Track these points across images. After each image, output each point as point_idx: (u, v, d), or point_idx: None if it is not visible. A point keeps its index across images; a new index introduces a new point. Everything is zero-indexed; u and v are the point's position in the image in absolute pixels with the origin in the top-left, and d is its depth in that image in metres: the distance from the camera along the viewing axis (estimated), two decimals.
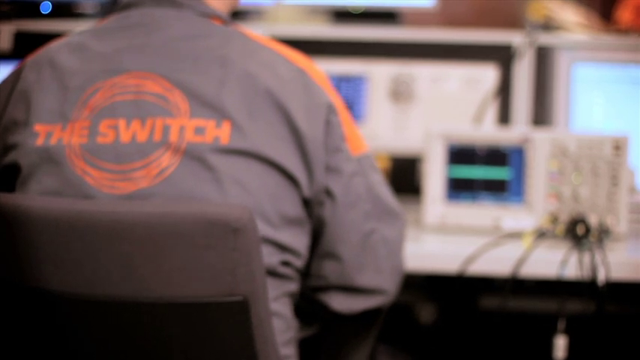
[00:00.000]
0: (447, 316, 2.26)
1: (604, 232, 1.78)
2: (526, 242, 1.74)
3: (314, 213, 1.44)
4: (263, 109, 1.35)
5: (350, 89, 2.18)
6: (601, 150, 1.82)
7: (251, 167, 1.33)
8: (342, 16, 2.55)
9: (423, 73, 2.16)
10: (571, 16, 2.94)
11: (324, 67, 2.00)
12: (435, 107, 2.15)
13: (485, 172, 1.88)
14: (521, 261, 1.68)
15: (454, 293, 1.83)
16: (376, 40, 2.20)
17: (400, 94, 2.16)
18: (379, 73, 2.18)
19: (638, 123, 2.07)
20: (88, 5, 2.61)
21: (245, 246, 1.25)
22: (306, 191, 1.40)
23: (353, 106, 2.18)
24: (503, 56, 2.13)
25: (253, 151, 1.33)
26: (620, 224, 1.83)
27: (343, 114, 1.46)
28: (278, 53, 1.44)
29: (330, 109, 1.42)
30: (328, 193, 1.43)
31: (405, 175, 2.13)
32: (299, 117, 1.38)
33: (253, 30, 2.11)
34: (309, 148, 1.38)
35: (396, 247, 1.53)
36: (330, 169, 1.42)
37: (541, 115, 2.12)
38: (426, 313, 2.30)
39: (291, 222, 1.39)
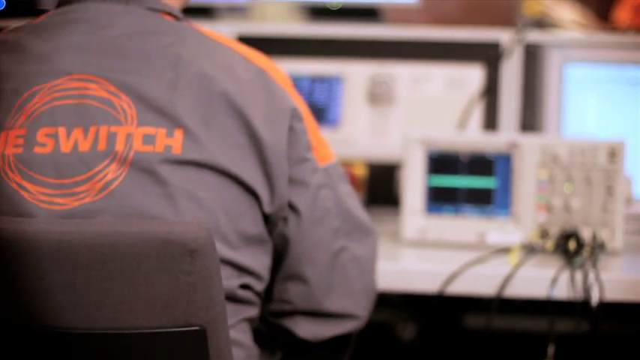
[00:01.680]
0: (429, 335, 2.20)
1: (598, 248, 1.72)
2: (513, 259, 1.69)
3: (276, 230, 1.38)
4: (219, 115, 1.29)
5: (324, 91, 2.13)
6: (595, 157, 1.76)
7: (206, 180, 1.27)
8: (319, 12, 2.51)
9: (403, 73, 2.10)
10: (567, 14, 2.94)
11: (296, 68, 2.10)
12: (416, 110, 2.10)
13: (468, 181, 1.82)
14: (507, 280, 1.62)
15: (437, 311, 1.73)
16: (352, 38, 2.15)
17: (378, 96, 2.10)
18: (356, 73, 2.12)
19: (635, 127, 2.03)
20: (48, 2, 2.49)
21: (203, 269, 1.18)
22: (268, 206, 1.33)
23: (327, 110, 2.14)
24: (489, 55, 2.08)
25: (209, 163, 1.27)
26: (615, 238, 1.77)
27: (308, 119, 1.40)
28: (236, 52, 1.37)
29: (294, 114, 1.35)
30: (292, 208, 1.37)
31: (383, 184, 2.08)
32: (259, 123, 1.31)
33: (217, 28, 2.14)
34: (271, 159, 1.32)
35: (368, 267, 1.46)
36: (294, 182, 1.36)
37: (530, 119, 2.07)
38: (408, 332, 2.24)
39: (250, 241, 1.33)
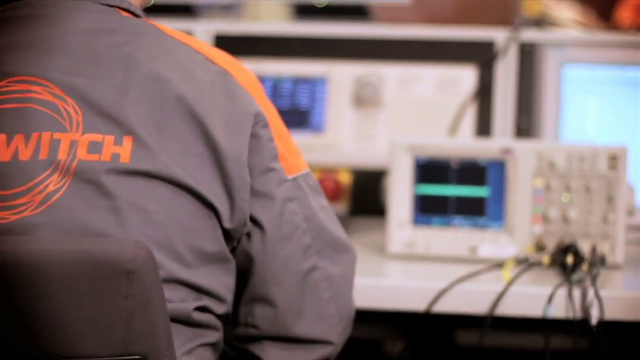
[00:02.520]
0: (419, 352, 2.12)
1: (598, 262, 1.67)
2: (506, 274, 1.64)
3: (240, 248, 1.31)
4: (174, 121, 1.23)
5: (307, 93, 2.07)
6: (595, 164, 1.72)
7: (158, 193, 1.21)
8: (306, 11, 2.50)
9: (391, 74, 2.05)
10: (566, 13, 2.99)
11: (278, 68, 2.05)
12: (404, 114, 2.05)
13: (459, 190, 1.77)
14: (500, 297, 1.57)
15: (427, 328, 1.67)
16: (337, 37, 2.10)
17: (365, 98, 2.04)
18: (341, 74, 2.07)
19: (637, 132, 2.00)
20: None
21: (142, 292, 1.11)
22: (228, 222, 1.27)
23: (310, 113, 2.08)
24: (483, 56, 2.04)
25: (161, 173, 1.21)
26: (616, 252, 1.71)
27: (276, 125, 1.32)
28: (196, 52, 1.30)
29: (258, 120, 1.28)
30: (256, 223, 1.30)
31: (369, 193, 2.03)
32: (218, 130, 1.24)
33: (194, 27, 2.13)
34: (231, 169, 1.25)
35: (343, 288, 1.38)
36: (257, 194, 1.28)
37: (526, 123, 2.02)
38: (397, 348, 2.19)
39: (209, 259, 1.26)
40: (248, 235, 1.30)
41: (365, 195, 2.05)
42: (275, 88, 2.06)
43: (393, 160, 1.78)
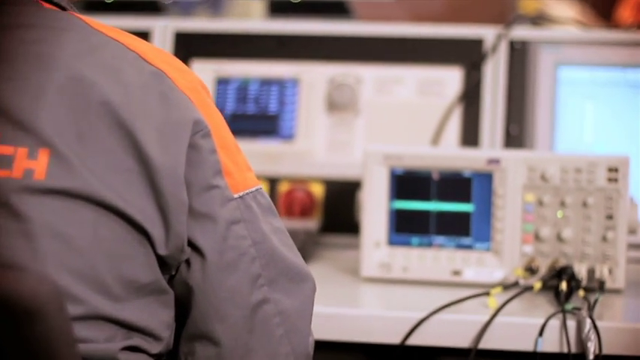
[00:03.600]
0: None
1: (596, 287, 1.63)
2: (493, 302, 1.57)
3: (178, 278, 1.21)
4: (99, 131, 1.14)
5: (275, 97, 2.03)
6: (593, 176, 1.67)
7: (79, 214, 1.13)
8: (280, 8, 2.45)
9: (369, 76, 2.03)
10: (565, 11, 3.12)
11: (244, 69, 2.02)
12: (383, 120, 2.01)
13: (441, 206, 1.72)
14: (485, 328, 1.52)
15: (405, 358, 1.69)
16: (310, 34, 2.07)
17: (340, 102, 2.01)
18: (313, 75, 2.04)
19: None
20: None
21: (46, 335, 1.00)
22: (163, 247, 1.17)
23: (279, 119, 2.03)
24: (470, 55, 2.02)
25: (83, 192, 1.13)
26: (617, 275, 1.66)
27: (220, 134, 1.22)
28: (128, 50, 1.20)
29: (198, 128, 1.18)
30: (196, 249, 1.19)
31: (344, 208, 1.94)
32: (150, 141, 1.15)
33: (153, 24, 2.07)
34: (165, 186, 1.15)
35: (298, 324, 1.26)
36: (197, 215, 1.18)
37: (517, 129, 1.99)
38: None
39: (141, 291, 1.17)
40: (187, 262, 1.20)
41: (339, 209, 1.97)
42: (240, 90, 2.02)
43: (367, 172, 1.73)
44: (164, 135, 1.15)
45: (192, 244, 1.18)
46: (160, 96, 1.17)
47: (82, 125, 1.13)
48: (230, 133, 1.24)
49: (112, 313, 1.13)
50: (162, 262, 1.17)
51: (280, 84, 2.03)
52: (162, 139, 1.15)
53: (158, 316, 1.19)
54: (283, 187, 1.96)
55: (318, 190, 1.99)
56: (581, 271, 1.64)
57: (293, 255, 1.26)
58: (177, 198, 1.16)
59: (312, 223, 1.91)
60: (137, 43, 1.21)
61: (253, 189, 1.23)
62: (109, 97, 1.13)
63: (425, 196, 1.71)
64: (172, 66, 1.20)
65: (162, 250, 1.16)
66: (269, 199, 1.26)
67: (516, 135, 1.99)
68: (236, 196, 1.20)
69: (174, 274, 1.20)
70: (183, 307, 1.22)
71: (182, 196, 1.16)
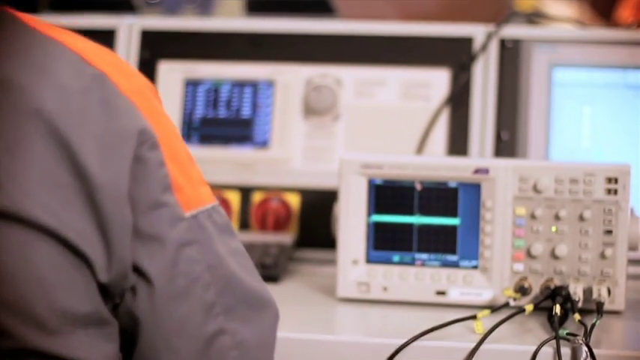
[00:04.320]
0: None
1: (594, 310, 1.57)
2: (480, 326, 1.52)
3: (123, 307, 1.15)
4: (29, 142, 1.08)
5: (248, 100, 1.98)
6: (590, 187, 1.64)
7: (7, 237, 1.07)
8: (259, 5, 2.52)
9: (350, 77, 1.99)
10: (563, 11, 3.21)
11: (214, 70, 2.00)
12: (364, 125, 1.98)
13: (424, 220, 1.69)
14: (471, 355, 1.46)
15: None
16: (286, 33, 2.03)
17: (318, 106, 1.97)
18: (290, 77, 2.00)
19: None
20: None
21: None
22: (104, 273, 1.11)
23: (252, 124, 1.99)
24: (458, 56, 1.99)
25: (10, 211, 1.07)
26: (616, 296, 1.61)
27: (170, 145, 1.16)
28: (68, 49, 1.13)
29: (144, 139, 1.12)
30: (142, 275, 1.14)
31: (322, 220, 1.87)
32: (89, 153, 1.10)
33: (118, 22, 2.02)
34: (106, 204, 1.10)
35: (260, 356, 1.23)
36: (143, 237, 1.13)
37: (508, 136, 1.97)
38: None
39: (80, 322, 1.11)
40: (133, 290, 1.15)
41: (317, 222, 1.93)
42: (211, 93, 1.97)
43: (343, 183, 1.68)
44: (105, 147, 1.10)
45: (137, 270, 1.13)
46: (101, 102, 1.11)
47: (9, 135, 1.06)
48: (182, 142, 1.18)
49: (46, 348, 1.08)
50: (104, 290, 1.12)
51: (254, 86, 2.00)
52: (103, 151, 1.10)
53: (100, 350, 1.12)
54: (256, 198, 1.90)
55: (294, 201, 1.96)
56: (577, 291, 1.58)
57: (253, 279, 1.22)
58: (120, 217, 1.10)
59: (287, 237, 1.86)
60: (79, 42, 1.15)
61: (208, 206, 1.18)
62: (41, 104, 1.07)
63: (407, 209, 1.68)
64: (116, 67, 1.14)
65: (103, 277, 1.10)
66: (226, 217, 1.20)
67: (508, 141, 1.98)
68: (187, 215, 1.15)
69: (119, 302, 1.14)
70: (130, 339, 1.16)
71: (126, 215, 1.11)
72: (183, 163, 1.16)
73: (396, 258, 1.67)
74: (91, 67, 1.11)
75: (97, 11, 2.21)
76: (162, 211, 1.13)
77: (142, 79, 1.17)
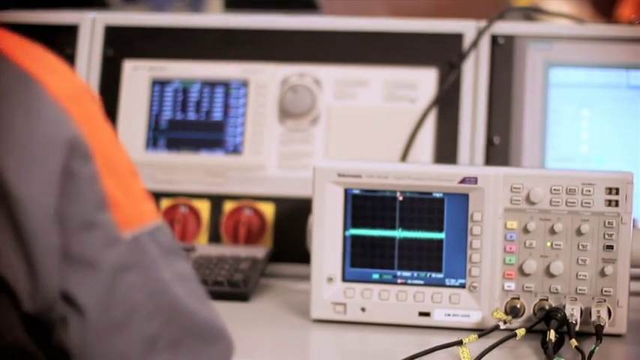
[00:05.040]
0: None
1: (593, 333, 1.52)
2: (466, 353, 1.46)
3: (52, 339, 1.08)
4: None
5: (220, 101, 1.95)
6: (589, 197, 1.60)
7: None
8: (238, 2, 2.46)
9: (329, 77, 1.97)
10: (561, 7, 3.19)
11: (184, 69, 1.97)
12: (345, 129, 1.95)
13: (407, 234, 1.65)
14: None
15: None
16: (260, 29, 2.00)
17: (295, 108, 1.95)
18: (264, 77, 1.98)
19: None
20: None
21: None
22: (28, 302, 1.05)
23: (223, 128, 1.95)
24: (447, 54, 1.97)
25: None
26: (617, 318, 1.57)
27: (107, 155, 1.09)
28: None
29: (74, 149, 1.05)
30: (72, 304, 1.06)
31: (298, 232, 1.82)
32: (9, 166, 1.04)
33: (83, 17, 1.98)
34: (29, 224, 1.04)
35: None
36: (73, 261, 1.06)
37: (502, 140, 1.94)
38: None
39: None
40: (63, 321, 1.07)
41: (292, 234, 1.88)
42: (179, 94, 1.95)
43: (318, 193, 1.63)
44: (28, 158, 1.02)
45: (67, 298, 1.05)
46: (24, 107, 1.03)
47: None
48: (123, 152, 1.11)
49: None
50: (30, 322, 1.04)
51: (226, 86, 1.97)
52: (26, 163, 1.03)
53: None
54: (228, 207, 1.87)
55: (268, 211, 1.92)
56: (574, 313, 1.54)
57: (203, 307, 1.14)
58: (45, 239, 1.03)
59: (260, 250, 1.81)
60: (6, 38, 1.07)
61: (152, 225, 1.10)
62: None
63: (387, 222, 1.65)
64: (46, 67, 1.07)
65: (28, 306, 1.03)
66: (172, 237, 1.14)
67: (500, 147, 1.94)
68: (126, 235, 1.07)
69: (48, 336, 1.06)
70: None
71: (52, 236, 1.03)
72: (123, 176, 1.09)
73: (375, 276, 1.65)
74: (16, 67, 1.04)
75: (66, 9, 2.16)
76: (95, 231, 1.06)
77: (78, 80, 1.10)
